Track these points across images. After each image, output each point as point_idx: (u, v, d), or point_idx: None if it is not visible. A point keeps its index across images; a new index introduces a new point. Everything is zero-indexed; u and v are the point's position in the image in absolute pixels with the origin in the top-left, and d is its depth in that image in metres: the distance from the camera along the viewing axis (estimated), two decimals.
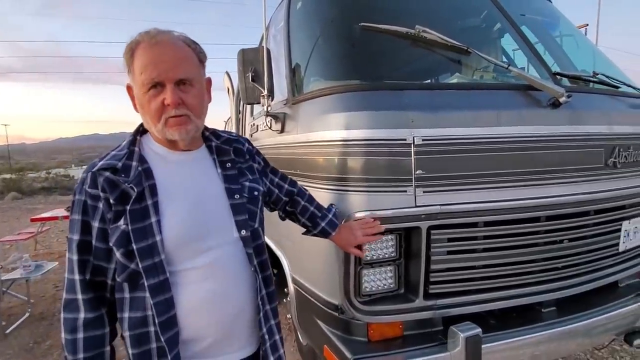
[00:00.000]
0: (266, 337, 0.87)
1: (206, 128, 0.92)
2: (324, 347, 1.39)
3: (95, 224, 0.74)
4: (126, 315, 0.76)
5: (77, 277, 0.75)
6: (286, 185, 1.12)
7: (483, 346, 1.20)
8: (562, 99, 1.33)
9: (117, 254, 0.74)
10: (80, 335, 0.74)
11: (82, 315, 0.75)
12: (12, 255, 4.19)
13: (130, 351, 0.76)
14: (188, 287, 0.77)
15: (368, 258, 1.28)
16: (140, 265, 0.72)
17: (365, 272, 1.30)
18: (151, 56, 0.73)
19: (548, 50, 1.90)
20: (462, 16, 1.99)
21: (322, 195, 1.37)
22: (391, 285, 1.33)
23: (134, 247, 0.72)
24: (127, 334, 0.76)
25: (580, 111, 1.42)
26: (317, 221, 1.13)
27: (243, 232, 0.84)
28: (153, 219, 0.74)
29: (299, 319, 1.73)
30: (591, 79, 1.65)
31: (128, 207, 0.73)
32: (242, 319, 0.85)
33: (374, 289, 1.32)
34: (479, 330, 1.20)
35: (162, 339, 0.73)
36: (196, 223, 0.79)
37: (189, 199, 0.80)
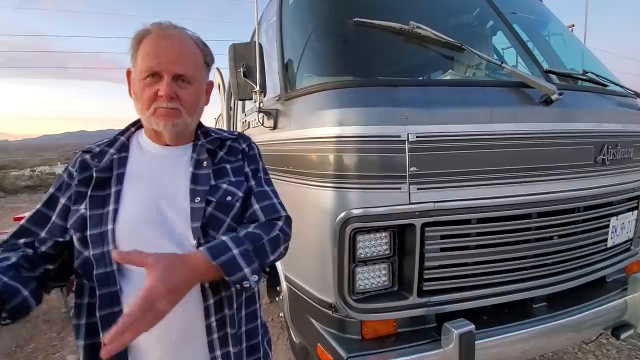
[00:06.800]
0: None
1: (200, 126, 0.87)
2: (318, 346, 1.38)
3: (63, 200, 0.76)
4: (85, 301, 0.73)
5: (15, 240, 0.74)
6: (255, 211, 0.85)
7: (476, 342, 1.21)
8: (553, 97, 1.35)
9: (74, 238, 0.73)
10: None
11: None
12: None
13: (82, 342, 0.72)
14: (133, 293, 0.67)
15: (362, 256, 1.27)
16: (91, 253, 0.71)
17: (359, 269, 1.29)
18: (156, 47, 0.74)
19: (538, 48, 1.91)
20: (455, 13, 1.99)
21: (316, 193, 1.35)
22: (385, 283, 1.33)
23: (88, 233, 0.71)
24: (83, 321, 0.73)
25: (571, 109, 1.44)
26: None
27: (196, 242, 0.72)
28: (111, 207, 0.73)
29: (291, 317, 1.71)
30: (581, 77, 1.67)
31: (89, 192, 0.74)
32: (190, 342, 0.74)
33: (367, 286, 1.31)
34: (472, 326, 1.20)
35: (101, 336, 0.69)
36: (149, 220, 0.73)
37: (150, 193, 0.75)
